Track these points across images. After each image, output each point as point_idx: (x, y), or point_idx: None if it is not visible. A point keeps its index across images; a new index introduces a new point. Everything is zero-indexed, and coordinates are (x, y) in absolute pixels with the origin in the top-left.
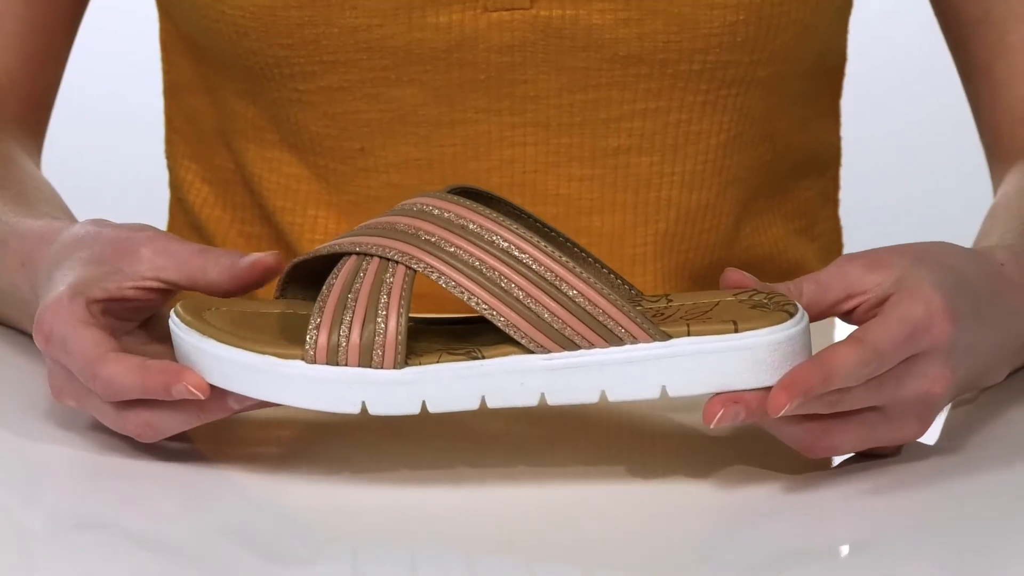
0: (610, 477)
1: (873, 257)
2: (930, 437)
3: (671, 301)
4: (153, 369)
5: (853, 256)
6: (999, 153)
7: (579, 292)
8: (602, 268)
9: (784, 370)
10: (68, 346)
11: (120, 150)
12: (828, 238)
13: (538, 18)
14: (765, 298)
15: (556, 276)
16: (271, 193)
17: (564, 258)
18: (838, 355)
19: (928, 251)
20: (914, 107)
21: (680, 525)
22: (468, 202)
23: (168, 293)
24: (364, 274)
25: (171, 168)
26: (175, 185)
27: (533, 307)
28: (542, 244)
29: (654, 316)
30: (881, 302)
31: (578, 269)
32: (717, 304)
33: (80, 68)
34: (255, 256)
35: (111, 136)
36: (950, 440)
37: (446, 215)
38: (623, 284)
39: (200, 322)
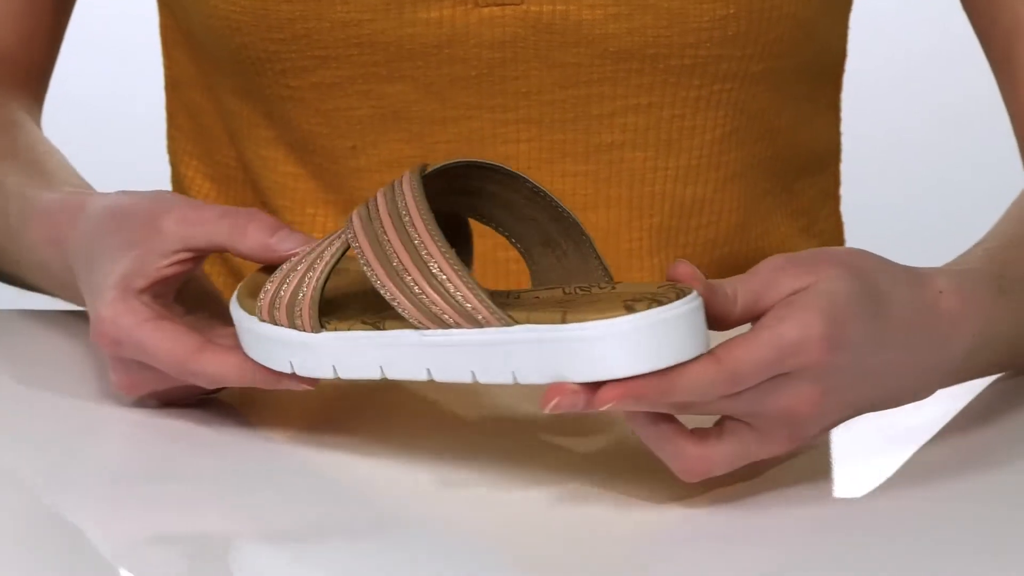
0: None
1: (805, 265)
2: (886, 449)
3: (614, 288)
4: (261, 370)
5: (787, 265)
6: (1022, 142)
7: (442, 270)
8: (595, 257)
9: (619, 364)
10: (147, 348)
11: (121, 145)
12: (830, 235)
13: (528, 13)
14: (661, 292)
15: (429, 255)
16: (270, 191)
17: (439, 238)
18: (688, 372)
19: (859, 265)
20: (915, 102)
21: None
22: (414, 179)
23: (201, 258)
24: (328, 241)
25: (173, 164)
26: (177, 181)
27: (407, 282)
28: (429, 224)
29: (561, 302)
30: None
31: (445, 248)
32: (619, 293)
33: (82, 62)
34: (293, 247)
35: (112, 131)
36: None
37: (394, 187)
38: (603, 271)
39: (247, 289)
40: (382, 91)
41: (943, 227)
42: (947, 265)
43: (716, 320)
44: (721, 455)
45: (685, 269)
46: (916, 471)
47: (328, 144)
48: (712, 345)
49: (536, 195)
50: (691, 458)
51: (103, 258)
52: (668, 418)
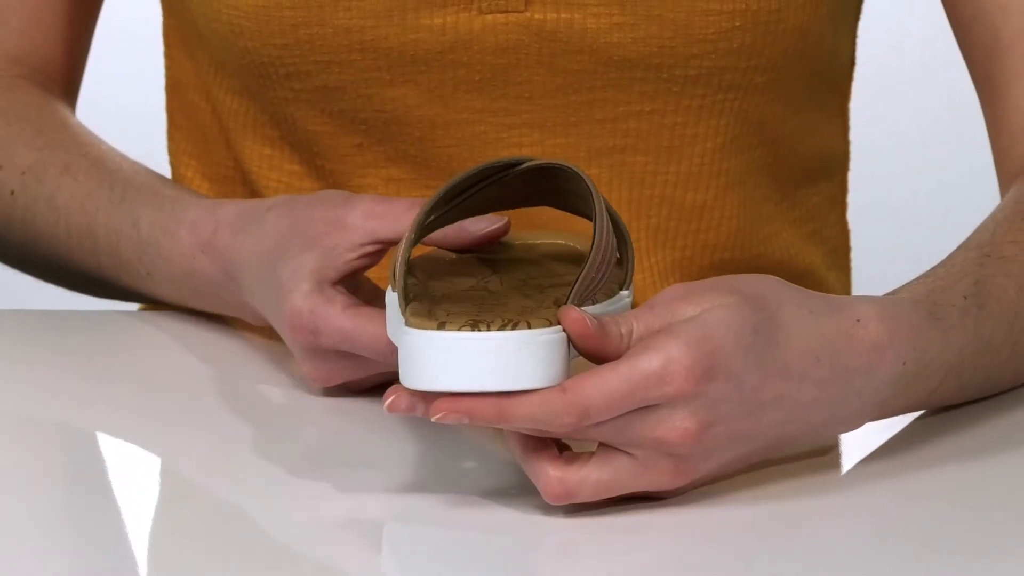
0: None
1: (700, 292)
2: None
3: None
4: None
5: (686, 294)
6: (999, 169)
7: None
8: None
9: (420, 376)
10: (351, 333)
11: (123, 145)
12: (836, 242)
13: (532, 21)
14: (517, 318)
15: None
16: (272, 191)
17: (413, 225)
18: (528, 399)
19: (759, 294)
20: (922, 109)
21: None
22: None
23: (385, 250)
24: None
25: (173, 165)
26: (176, 181)
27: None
28: (420, 213)
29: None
30: None
31: (409, 233)
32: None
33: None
34: (485, 227)
35: (113, 131)
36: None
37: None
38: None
39: None
40: (385, 95)
41: (951, 234)
42: (887, 294)
43: (609, 357)
44: (585, 481)
45: (567, 314)
46: (882, 472)
47: (333, 143)
48: None
49: (588, 196)
50: (551, 480)
51: (286, 255)
52: (542, 439)
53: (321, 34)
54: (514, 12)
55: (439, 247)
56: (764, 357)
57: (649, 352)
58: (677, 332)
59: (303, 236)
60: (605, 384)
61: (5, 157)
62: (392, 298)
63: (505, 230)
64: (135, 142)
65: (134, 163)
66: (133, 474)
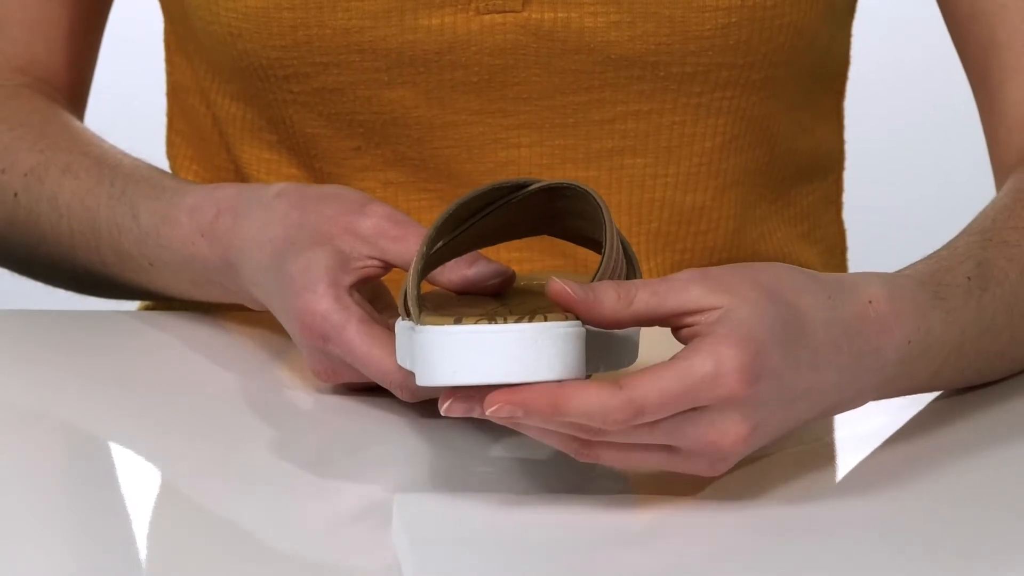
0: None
1: (718, 279)
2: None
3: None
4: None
5: (698, 274)
6: (995, 161)
7: (415, 264)
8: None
9: (439, 371)
10: (356, 353)
11: (123, 150)
12: (831, 241)
13: (530, 21)
14: (531, 312)
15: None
16: None
17: (427, 237)
18: (580, 394)
19: (778, 287)
20: (917, 109)
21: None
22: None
23: (390, 268)
24: None
25: (173, 169)
26: None
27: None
28: (433, 225)
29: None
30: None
31: (423, 244)
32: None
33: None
34: (490, 273)
35: (113, 135)
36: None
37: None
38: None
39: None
40: (383, 97)
41: (947, 233)
42: (893, 273)
43: (606, 322)
44: (610, 452)
45: (552, 287)
46: (873, 474)
47: (330, 146)
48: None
49: (596, 212)
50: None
51: (295, 248)
52: None
53: (319, 35)
54: (511, 12)
55: (441, 286)
56: (796, 351)
57: (701, 353)
58: (722, 333)
59: (314, 231)
60: (660, 382)
61: (8, 161)
62: (403, 326)
63: (511, 280)
64: (136, 146)
65: (135, 159)
66: (134, 473)
